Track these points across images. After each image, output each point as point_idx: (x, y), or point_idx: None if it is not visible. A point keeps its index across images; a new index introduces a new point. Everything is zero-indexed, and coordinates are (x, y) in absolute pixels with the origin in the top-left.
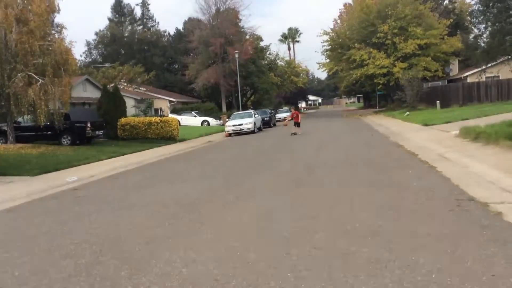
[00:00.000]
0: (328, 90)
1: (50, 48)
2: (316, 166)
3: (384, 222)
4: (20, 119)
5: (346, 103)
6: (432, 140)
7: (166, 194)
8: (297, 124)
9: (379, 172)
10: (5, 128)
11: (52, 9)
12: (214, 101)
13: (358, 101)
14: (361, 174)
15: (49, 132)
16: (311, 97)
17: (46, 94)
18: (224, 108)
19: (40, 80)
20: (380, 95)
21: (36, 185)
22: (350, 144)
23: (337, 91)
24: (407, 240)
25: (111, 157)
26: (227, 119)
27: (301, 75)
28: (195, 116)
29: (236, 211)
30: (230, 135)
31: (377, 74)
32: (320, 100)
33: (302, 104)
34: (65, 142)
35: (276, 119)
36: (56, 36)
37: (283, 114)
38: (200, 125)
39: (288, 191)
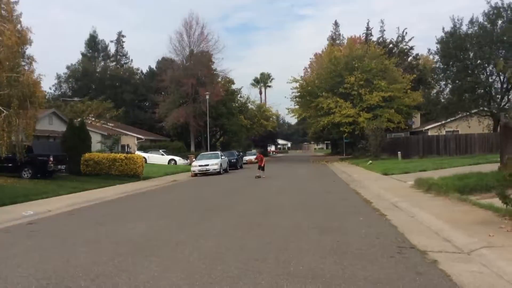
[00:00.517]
0: (298, 135)
1: (20, 80)
2: (273, 210)
3: (326, 266)
4: None
5: (315, 148)
6: (388, 189)
7: (120, 232)
8: (261, 167)
9: (332, 218)
10: None
11: (23, 42)
12: (183, 140)
13: (327, 147)
14: (315, 219)
15: (9, 164)
16: (280, 141)
17: (9, 126)
18: (192, 148)
19: (4, 111)
20: (347, 142)
21: None
22: (311, 189)
23: (306, 136)
24: (344, 283)
25: (71, 193)
26: (194, 159)
27: (271, 119)
28: (162, 155)
29: (187, 251)
30: (196, 175)
31: (343, 123)
32: (289, 145)
33: (272, 148)
34: (26, 175)
35: (244, 161)
36: (26, 68)
37: (251, 156)
38: (167, 163)
39: (240, 233)
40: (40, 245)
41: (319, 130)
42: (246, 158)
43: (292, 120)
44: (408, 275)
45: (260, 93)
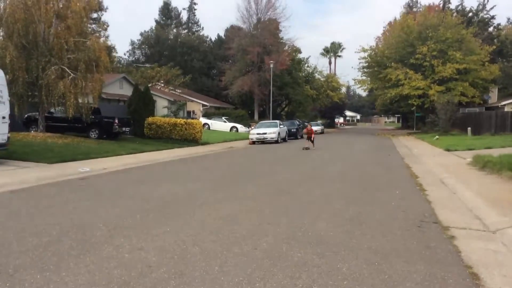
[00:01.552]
0: (368, 108)
1: (86, 45)
2: (310, 179)
3: (336, 234)
4: (53, 110)
5: (385, 122)
6: (443, 165)
7: (156, 191)
8: (310, 139)
9: (367, 190)
10: (38, 117)
11: (91, 7)
12: (247, 109)
13: (398, 121)
14: (348, 190)
15: (78, 125)
16: (349, 113)
17: (76, 88)
18: (256, 116)
19: (72, 74)
20: (417, 116)
21: (49, 172)
22: (361, 161)
23: (376, 109)
24: (345, 250)
25: (130, 153)
26: (253, 127)
27: (338, 90)
28: (225, 122)
29: (207, 212)
30: (254, 143)
31: (412, 95)
32: (358, 117)
33: (340, 120)
34: (93, 135)
35: None
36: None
37: (314, 127)
38: (229, 130)
39: (267, 198)
40: (80, 198)
41: (387, 102)
42: None
43: (363, 92)
44: (415, 248)
45: (330, 63)
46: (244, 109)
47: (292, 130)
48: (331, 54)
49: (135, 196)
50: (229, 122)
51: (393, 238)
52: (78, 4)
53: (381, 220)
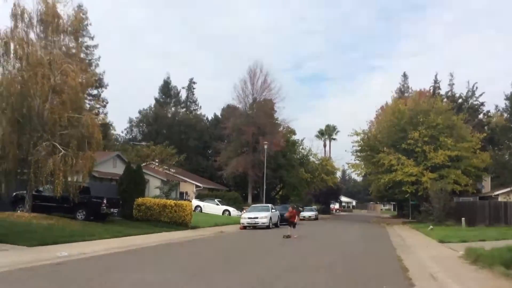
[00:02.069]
0: (363, 194)
1: (81, 121)
2: (294, 272)
3: None
4: (41, 188)
5: (381, 209)
6: (434, 258)
7: (126, 281)
8: (293, 224)
9: (351, 284)
10: (25, 195)
11: (88, 83)
12: (241, 191)
13: (394, 209)
14: (331, 285)
15: (65, 205)
16: (344, 199)
17: (65, 165)
18: (249, 199)
19: (62, 151)
20: (413, 204)
21: (25, 256)
22: (351, 252)
23: (370, 195)
24: None
25: (115, 237)
26: (245, 211)
27: (333, 174)
28: (217, 204)
29: None
30: (245, 227)
31: (405, 181)
32: (354, 203)
33: (335, 205)
34: (80, 216)
35: (301, 217)
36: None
37: (308, 213)
38: (221, 214)
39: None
40: (52, 286)
41: (381, 188)
42: (304, 214)
43: (358, 177)
44: None
45: (325, 145)
46: (238, 191)
47: (284, 215)
48: (326, 136)
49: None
50: (221, 204)
51: None
52: (75, 79)
53: None
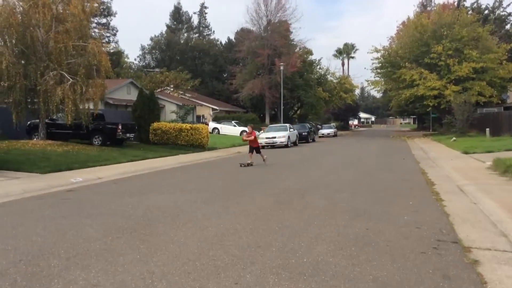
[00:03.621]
0: (382, 109)
1: (87, 49)
2: (314, 189)
3: (336, 260)
4: (55, 117)
5: (401, 123)
6: (460, 170)
7: (142, 204)
8: (256, 150)
9: (377, 201)
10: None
11: (92, 11)
12: (258, 112)
13: (413, 122)
14: (355, 201)
15: (81, 131)
16: (363, 115)
17: (75, 93)
18: (267, 120)
19: (71, 79)
20: (434, 117)
21: (38, 183)
22: (373, 167)
23: (390, 110)
24: (345, 284)
25: (132, 161)
26: (263, 131)
27: (352, 91)
28: (235, 126)
29: (192, 231)
30: (263, 147)
31: (427, 96)
32: (373, 119)
33: (354, 122)
34: (96, 142)
35: (320, 134)
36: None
37: (327, 130)
38: (238, 135)
39: (263, 212)
40: (56, 214)
41: (402, 103)
42: (322, 131)
43: (377, 93)
44: (431, 279)
45: (343, 64)
46: (255, 113)
47: (303, 133)
48: (344, 55)
49: (117, 211)
50: (239, 126)
51: (404, 264)
52: (77, 7)
53: (391, 240)
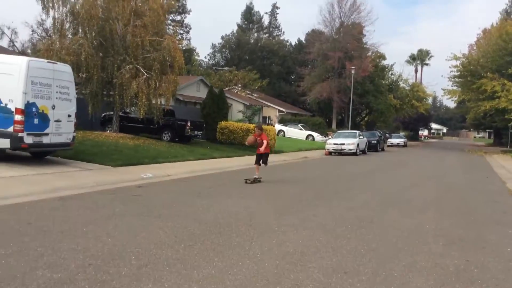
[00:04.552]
0: (456, 121)
1: (162, 45)
2: (396, 205)
3: None
4: (129, 110)
5: (474, 137)
6: None
7: (212, 208)
8: (264, 158)
9: (469, 225)
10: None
11: (169, 6)
12: (325, 116)
13: (488, 137)
14: (445, 225)
15: (151, 126)
16: (434, 125)
17: (148, 88)
18: (334, 125)
19: (145, 74)
20: None
21: (110, 176)
22: (454, 184)
23: (465, 122)
24: None
25: (199, 159)
26: (331, 136)
27: (424, 100)
28: (301, 129)
29: (269, 244)
30: (330, 153)
31: (509, 109)
32: (445, 130)
33: (424, 132)
34: (165, 137)
35: (389, 144)
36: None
37: (396, 139)
38: (304, 138)
39: (341, 229)
40: (127, 212)
41: (479, 116)
42: (392, 140)
43: (451, 103)
44: None
45: (416, 71)
46: (322, 117)
47: (373, 141)
48: (418, 61)
49: (187, 214)
50: (305, 129)
51: None
52: (156, 2)
53: (499, 278)
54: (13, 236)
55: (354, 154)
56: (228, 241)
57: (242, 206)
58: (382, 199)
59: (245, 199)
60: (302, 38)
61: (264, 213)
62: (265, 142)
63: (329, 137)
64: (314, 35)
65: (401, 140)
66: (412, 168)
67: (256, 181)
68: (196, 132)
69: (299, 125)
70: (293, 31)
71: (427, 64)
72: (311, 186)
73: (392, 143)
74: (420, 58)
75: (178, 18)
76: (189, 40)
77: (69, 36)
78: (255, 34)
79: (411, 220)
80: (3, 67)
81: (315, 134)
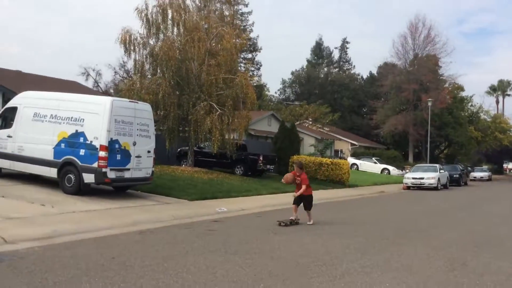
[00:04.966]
0: None
1: (235, 81)
2: (490, 246)
3: None
4: (202, 145)
5: None
6: None
7: (286, 246)
8: (305, 201)
9: None
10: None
11: (242, 45)
12: (400, 150)
13: None
14: None
15: (224, 160)
16: None
17: (222, 124)
18: (410, 158)
19: (219, 110)
20: None
21: (186, 210)
22: None
23: None
24: None
25: (272, 193)
26: (408, 170)
27: (509, 132)
28: (375, 163)
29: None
30: (408, 188)
31: None
32: None
33: (509, 165)
34: (238, 172)
35: (472, 177)
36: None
37: (480, 173)
38: (379, 172)
39: (437, 273)
40: (202, 249)
41: None
42: (474, 174)
43: None
44: None
45: (497, 102)
46: (397, 150)
47: (454, 175)
48: (499, 92)
49: (264, 251)
50: (380, 163)
51: None
52: (230, 42)
53: None
54: (98, 271)
55: (435, 188)
56: (310, 282)
57: (319, 243)
58: (472, 238)
59: (322, 236)
60: (374, 71)
61: (344, 252)
62: (304, 186)
63: (406, 170)
64: (386, 67)
65: (485, 174)
66: (501, 204)
67: (293, 223)
68: (268, 166)
69: (373, 158)
70: (363, 64)
71: (508, 95)
72: (392, 222)
73: (475, 177)
74: (501, 88)
75: (249, 56)
76: (259, 76)
77: (149, 76)
78: (325, 69)
79: (507, 263)
80: (89, 107)
81: (390, 167)
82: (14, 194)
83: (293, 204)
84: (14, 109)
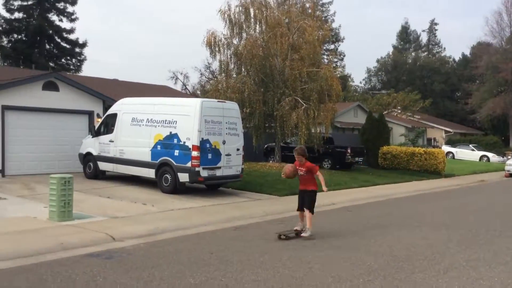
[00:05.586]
0: None
1: (319, 74)
2: None
3: None
4: (288, 140)
5: None
6: None
7: (385, 239)
8: (307, 197)
9: None
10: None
11: (325, 37)
12: (499, 135)
13: None
14: None
15: (311, 154)
16: None
17: (307, 118)
18: (511, 144)
19: (304, 104)
20: None
21: (277, 206)
22: None
23: None
24: None
25: (362, 186)
26: (510, 156)
27: None
28: (473, 150)
29: (461, 282)
30: (511, 175)
31: None
32: None
33: None
34: (326, 165)
35: None
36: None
37: None
38: (477, 160)
39: None
40: (297, 242)
41: None
42: None
43: None
44: None
45: None
46: (496, 135)
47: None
48: None
49: (359, 246)
50: (478, 150)
51: None
52: (312, 34)
53: None
54: (199, 266)
55: None
56: (411, 277)
57: (418, 236)
58: None
59: (420, 228)
60: (467, 52)
61: (446, 245)
62: (319, 174)
63: (508, 157)
64: (480, 47)
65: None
66: None
67: (297, 234)
68: (356, 159)
69: (470, 145)
70: (455, 46)
71: None
72: (497, 212)
73: None
74: None
75: (332, 47)
76: (343, 67)
77: (234, 75)
78: (413, 54)
79: None
80: (181, 109)
81: (490, 154)
82: (118, 195)
83: (298, 209)
84: (114, 116)
